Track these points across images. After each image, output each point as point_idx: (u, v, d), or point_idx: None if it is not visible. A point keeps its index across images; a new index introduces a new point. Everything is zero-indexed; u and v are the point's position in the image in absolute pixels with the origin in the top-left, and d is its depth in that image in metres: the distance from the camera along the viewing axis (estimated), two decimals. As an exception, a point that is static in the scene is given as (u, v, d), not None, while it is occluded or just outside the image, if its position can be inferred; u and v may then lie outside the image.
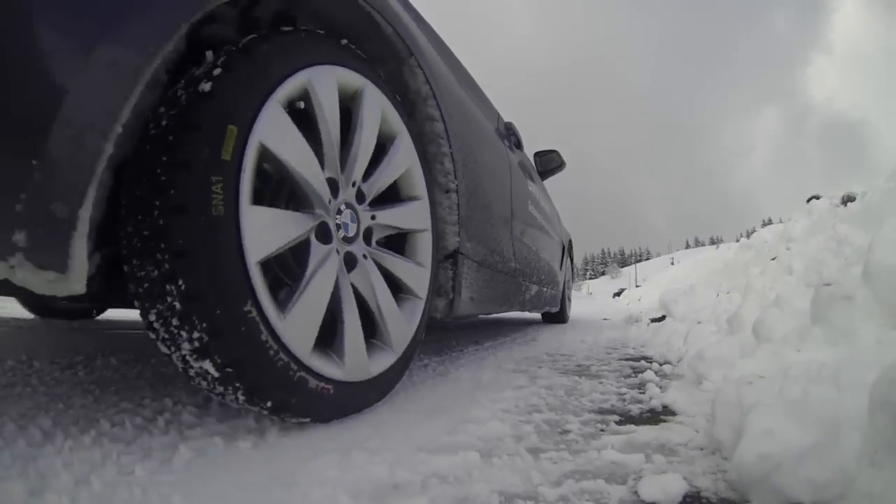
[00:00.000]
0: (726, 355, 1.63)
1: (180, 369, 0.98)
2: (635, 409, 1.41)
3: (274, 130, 1.03)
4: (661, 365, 2.16)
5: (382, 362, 1.33)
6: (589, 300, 19.16)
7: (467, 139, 1.86)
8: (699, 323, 2.73)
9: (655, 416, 1.35)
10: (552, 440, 1.13)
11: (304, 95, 1.14)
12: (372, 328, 1.33)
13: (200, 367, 0.95)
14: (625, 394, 1.60)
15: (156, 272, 0.90)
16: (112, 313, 4.04)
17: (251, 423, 1.17)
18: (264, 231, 1.00)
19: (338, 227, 1.20)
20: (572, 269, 5.73)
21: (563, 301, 4.96)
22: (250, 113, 0.98)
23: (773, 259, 3.24)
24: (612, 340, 3.37)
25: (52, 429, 1.05)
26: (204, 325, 0.90)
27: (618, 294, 21.10)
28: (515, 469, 0.95)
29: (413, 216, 1.50)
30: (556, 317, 5.10)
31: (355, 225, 1.27)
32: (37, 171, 0.71)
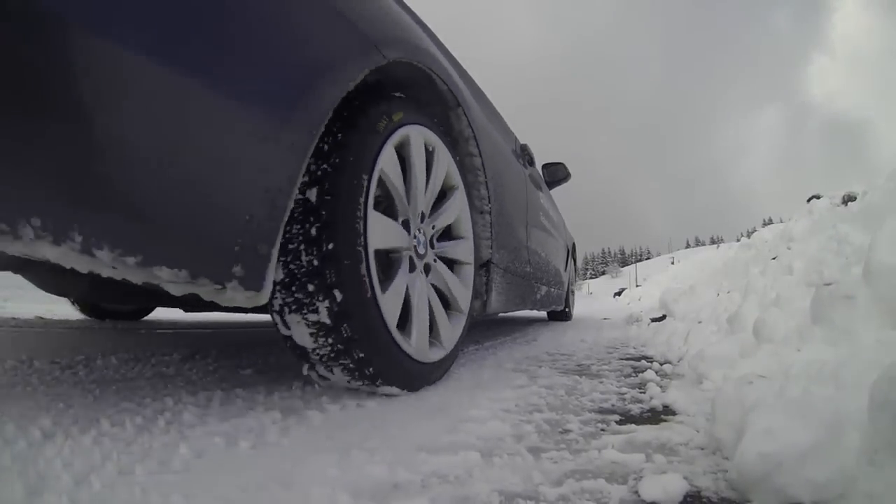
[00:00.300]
0: (727, 355, 1.63)
1: (316, 346, 1.34)
2: (636, 409, 1.41)
3: (388, 163, 1.45)
4: (661, 364, 2.16)
5: (438, 353, 1.70)
6: (589, 299, 19.17)
7: (497, 169, 2.27)
8: (699, 322, 2.73)
9: (656, 416, 1.35)
10: (553, 440, 1.13)
11: (404, 144, 1.55)
12: (432, 326, 1.68)
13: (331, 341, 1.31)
14: (625, 393, 1.60)
15: (311, 260, 1.26)
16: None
17: (251, 422, 1.17)
18: (378, 230, 1.41)
19: (415, 238, 1.61)
20: (575, 271, 6.25)
21: (568, 300, 5.36)
22: (377, 149, 1.41)
23: (774, 259, 3.24)
24: (613, 340, 3.37)
25: (53, 428, 1.05)
26: (339, 298, 1.26)
27: (618, 294, 21.10)
28: (516, 469, 0.95)
29: (462, 251, 1.92)
30: (561, 315, 5.45)
31: (424, 238, 1.67)
32: (250, 224, 1.04)
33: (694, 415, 1.32)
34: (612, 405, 1.46)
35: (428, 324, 1.62)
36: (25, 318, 3.40)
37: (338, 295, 1.26)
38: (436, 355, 1.67)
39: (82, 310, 3.33)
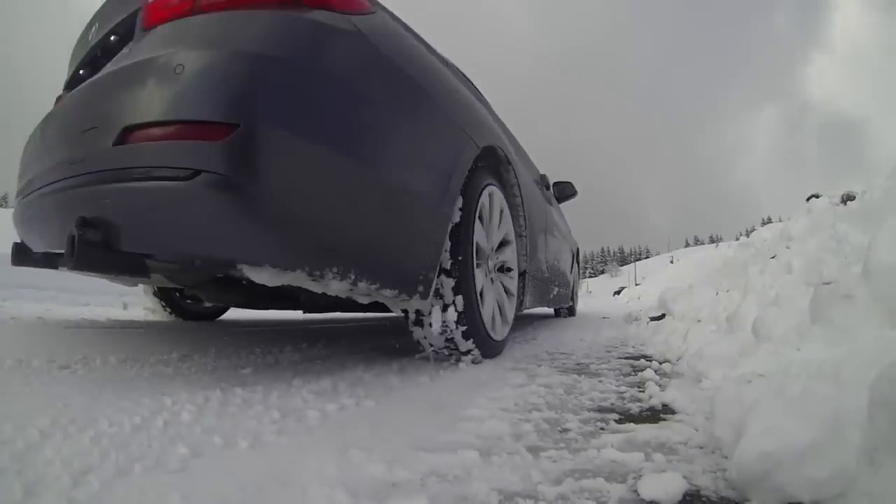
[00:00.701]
0: (726, 354, 1.63)
1: (441, 333, 1.98)
2: (635, 408, 1.41)
3: (483, 206, 2.24)
4: (660, 363, 2.16)
5: (503, 333, 2.45)
6: (589, 298, 19.21)
7: (530, 204, 3.03)
8: (699, 321, 2.73)
9: (655, 415, 1.35)
10: (552, 439, 1.13)
11: (490, 196, 2.34)
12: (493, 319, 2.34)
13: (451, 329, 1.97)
14: (624, 392, 1.60)
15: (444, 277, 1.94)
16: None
17: (250, 423, 1.17)
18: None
19: (489, 260, 2.40)
20: (580, 273, 7.13)
21: (573, 298, 6.35)
22: (478, 194, 2.15)
23: (773, 258, 3.24)
24: (612, 339, 3.37)
25: (50, 428, 1.04)
26: (462, 302, 1.95)
27: (618, 292, 21.12)
28: (515, 468, 0.95)
29: (511, 283, 2.70)
30: (568, 310, 6.42)
31: (493, 264, 2.48)
32: (426, 262, 1.78)
33: (693, 414, 1.32)
34: (612, 404, 1.46)
35: (499, 317, 2.42)
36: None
37: (460, 302, 1.95)
38: (500, 336, 2.39)
39: (171, 312, 3.66)
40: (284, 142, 1.25)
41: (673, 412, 1.37)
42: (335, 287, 1.50)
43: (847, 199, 3.72)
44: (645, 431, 1.17)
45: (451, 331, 1.96)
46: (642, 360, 2.30)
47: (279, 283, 1.42)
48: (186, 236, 1.31)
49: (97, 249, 1.31)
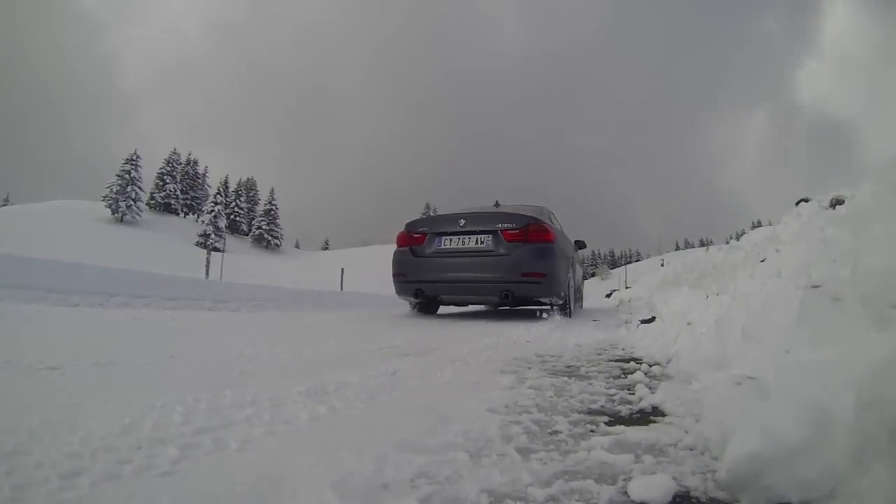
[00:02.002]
0: (715, 356, 1.64)
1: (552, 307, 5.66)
2: (625, 410, 1.42)
3: (575, 264, 7.09)
4: (650, 366, 2.16)
5: (577, 311, 6.70)
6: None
7: (573, 261, 6.47)
8: (688, 324, 2.73)
9: (645, 417, 1.35)
10: (541, 440, 1.13)
11: (574, 259, 6.81)
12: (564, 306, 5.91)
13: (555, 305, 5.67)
14: (614, 394, 1.61)
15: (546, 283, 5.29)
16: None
17: (241, 426, 1.16)
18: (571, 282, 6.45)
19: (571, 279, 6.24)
20: (582, 282, 9.49)
21: (580, 300, 8.49)
22: (571, 252, 6.72)
23: (763, 261, 3.26)
24: (602, 342, 3.37)
25: (39, 428, 1.03)
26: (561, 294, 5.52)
27: (609, 295, 21.22)
28: (505, 469, 0.94)
29: (578, 294, 7.53)
30: (578, 306, 8.55)
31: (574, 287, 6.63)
32: (569, 288, 6.02)
33: (682, 415, 1.32)
34: (602, 406, 1.46)
35: (574, 305, 6.23)
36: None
37: (564, 295, 5.55)
38: (574, 313, 6.01)
39: (420, 310, 6.13)
40: (553, 271, 5.11)
41: (663, 414, 1.37)
42: (555, 300, 5.45)
43: (836, 203, 3.75)
44: (635, 433, 1.17)
45: (569, 309, 5.78)
46: (632, 363, 2.31)
47: (543, 299, 5.42)
48: (531, 294, 5.17)
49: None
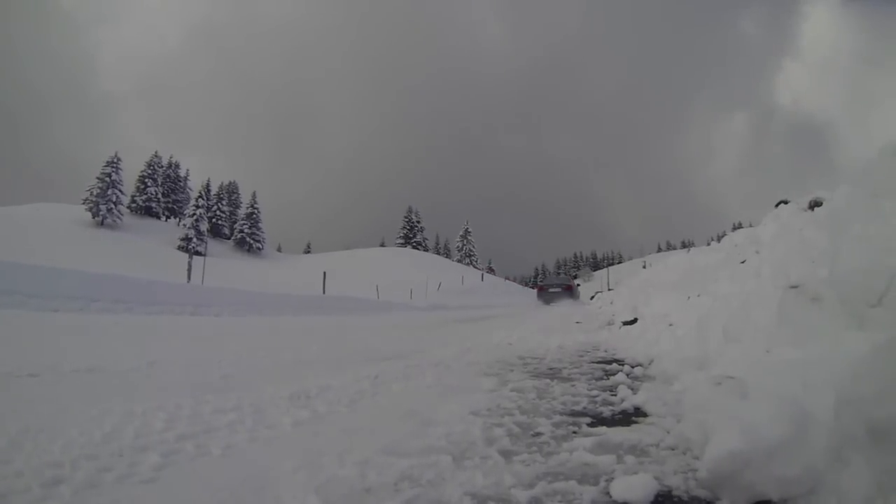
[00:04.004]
0: (696, 357, 1.65)
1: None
2: (607, 411, 1.42)
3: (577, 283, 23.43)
4: (632, 367, 2.17)
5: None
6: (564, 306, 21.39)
7: (577, 285, 24.58)
8: (670, 325, 2.75)
9: (627, 418, 1.35)
10: (524, 443, 1.13)
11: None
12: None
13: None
14: (596, 396, 1.61)
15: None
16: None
17: (223, 433, 1.16)
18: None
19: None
20: (578, 286, 22.47)
21: (578, 296, 20.82)
22: (576, 283, 23.06)
23: (743, 262, 3.30)
24: (584, 343, 3.39)
25: (20, 435, 1.02)
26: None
27: (592, 297, 21.87)
28: (488, 472, 0.94)
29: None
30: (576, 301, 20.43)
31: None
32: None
33: (664, 416, 1.33)
34: (584, 408, 1.47)
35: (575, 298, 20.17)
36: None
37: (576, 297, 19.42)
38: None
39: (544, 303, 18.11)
40: (572, 292, 19.37)
41: (644, 415, 1.38)
42: (574, 299, 18.72)
43: (814, 204, 3.80)
44: (617, 434, 1.17)
45: (576, 299, 18.75)
46: (614, 364, 2.31)
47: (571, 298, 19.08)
48: (570, 297, 18.49)
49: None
